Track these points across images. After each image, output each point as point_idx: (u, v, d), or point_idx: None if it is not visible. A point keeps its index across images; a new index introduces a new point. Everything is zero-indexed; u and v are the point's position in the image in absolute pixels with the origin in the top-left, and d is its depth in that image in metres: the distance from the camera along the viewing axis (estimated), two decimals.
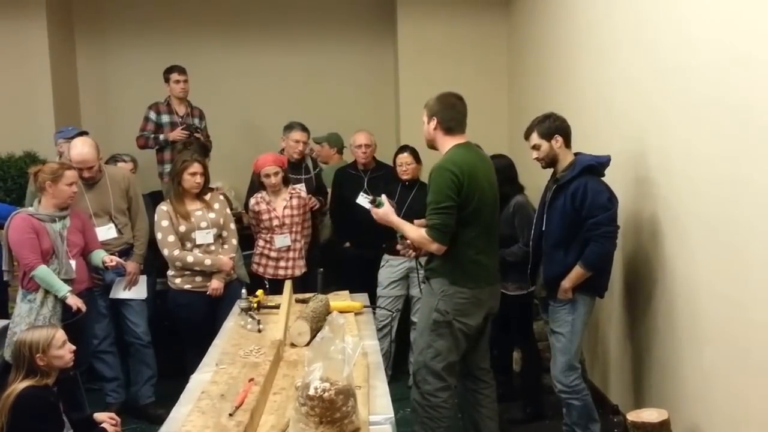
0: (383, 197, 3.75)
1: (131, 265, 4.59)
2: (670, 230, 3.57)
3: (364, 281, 4.88)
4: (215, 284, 4.39)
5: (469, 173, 3.42)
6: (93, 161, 4.41)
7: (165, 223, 4.36)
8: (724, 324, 3.08)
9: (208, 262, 4.37)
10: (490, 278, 3.61)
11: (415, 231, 3.55)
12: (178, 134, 5.77)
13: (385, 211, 3.66)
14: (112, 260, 4.25)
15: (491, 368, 3.88)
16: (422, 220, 4.53)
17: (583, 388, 3.79)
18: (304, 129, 5.43)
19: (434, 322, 3.51)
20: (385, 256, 5.15)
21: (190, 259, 4.34)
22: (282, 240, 4.85)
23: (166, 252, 4.37)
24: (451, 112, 3.54)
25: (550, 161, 3.80)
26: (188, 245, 4.39)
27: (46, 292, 3.92)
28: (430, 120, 3.56)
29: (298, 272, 4.92)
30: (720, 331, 3.11)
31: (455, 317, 3.49)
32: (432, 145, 3.64)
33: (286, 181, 4.95)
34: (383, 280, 5.15)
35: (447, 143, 3.55)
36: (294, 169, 5.34)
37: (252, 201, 4.95)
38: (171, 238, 4.35)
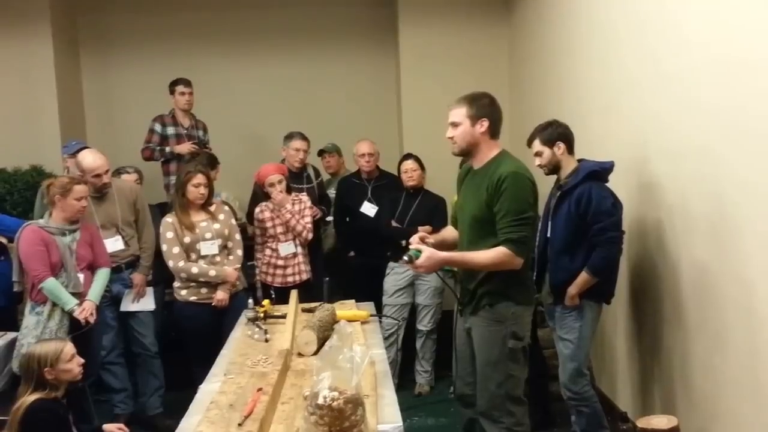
0: (413, 245, 3.18)
1: (138, 277, 4.62)
2: (675, 235, 3.57)
3: (369, 290, 4.89)
4: (220, 295, 4.40)
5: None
6: (105, 166, 4.49)
7: (170, 234, 4.38)
8: (733, 329, 3.07)
9: (212, 273, 4.38)
10: None
11: (484, 254, 3.12)
12: (185, 147, 5.80)
13: (429, 256, 3.09)
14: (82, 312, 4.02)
15: None
16: (427, 227, 4.55)
17: (593, 395, 3.78)
18: (304, 138, 5.45)
19: (511, 350, 3.18)
20: (390, 264, 5.17)
21: (195, 270, 4.36)
22: (286, 248, 4.89)
23: (171, 263, 4.38)
24: (499, 115, 3.24)
25: (552, 168, 3.81)
26: (193, 256, 4.40)
27: (54, 305, 3.93)
28: (479, 122, 3.18)
29: (305, 277, 4.95)
30: (729, 336, 3.10)
31: (528, 339, 3.28)
32: (468, 150, 3.25)
33: (289, 190, 4.98)
34: (389, 288, 5.16)
35: (492, 149, 3.23)
36: (295, 179, 5.36)
37: (257, 210, 4.98)
38: (176, 249, 4.36)
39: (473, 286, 3.25)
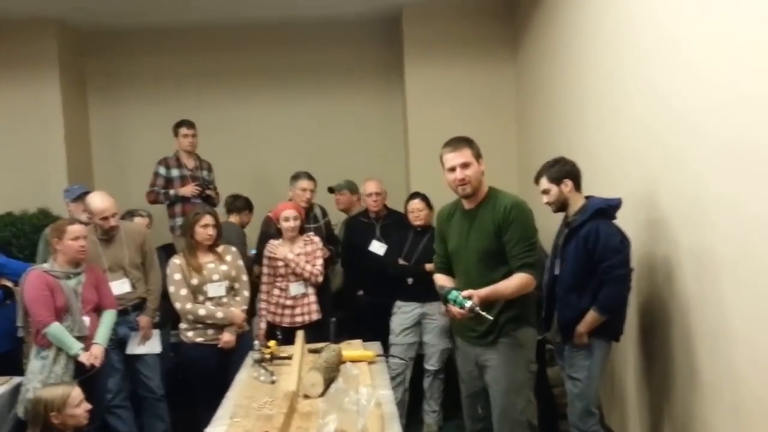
0: (463, 294, 3.20)
1: (144, 320, 4.61)
2: (684, 272, 3.54)
3: (377, 329, 4.86)
4: (227, 337, 4.37)
5: None
6: (113, 208, 4.51)
7: (177, 276, 4.38)
8: (744, 365, 3.04)
9: (219, 315, 4.37)
10: None
11: (510, 283, 3.28)
12: (189, 189, 5.83)
13: (469, 292, 3.19)
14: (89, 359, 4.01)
15: None
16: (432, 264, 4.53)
17: None
18: (311, 178, 5.48)
19: (530, 374, 3.42)
20: (397, 303, 5.14)
21: (202, 312, 4.34)
22: (296, 288, 4.86)
23: (178, 305, 4.37)
24: None
25: (560, 205, 3.81)
26: (200, 298, 4.40)
27: (59, 349, 3.91)
28: (480, 161, 3.40)
29: (315, 317, 4.90)
30: (741, 372, 3.07)
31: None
32: (477, 188, 3.40)
33: (302, 230, 4.98)
34: (395, 327, 5.12)
35: (486, 187, 3.46)
36: None
37: (267, 249, 4.96)
38: (183, 291, 4.36)
39: (494, 314, 3.27)
